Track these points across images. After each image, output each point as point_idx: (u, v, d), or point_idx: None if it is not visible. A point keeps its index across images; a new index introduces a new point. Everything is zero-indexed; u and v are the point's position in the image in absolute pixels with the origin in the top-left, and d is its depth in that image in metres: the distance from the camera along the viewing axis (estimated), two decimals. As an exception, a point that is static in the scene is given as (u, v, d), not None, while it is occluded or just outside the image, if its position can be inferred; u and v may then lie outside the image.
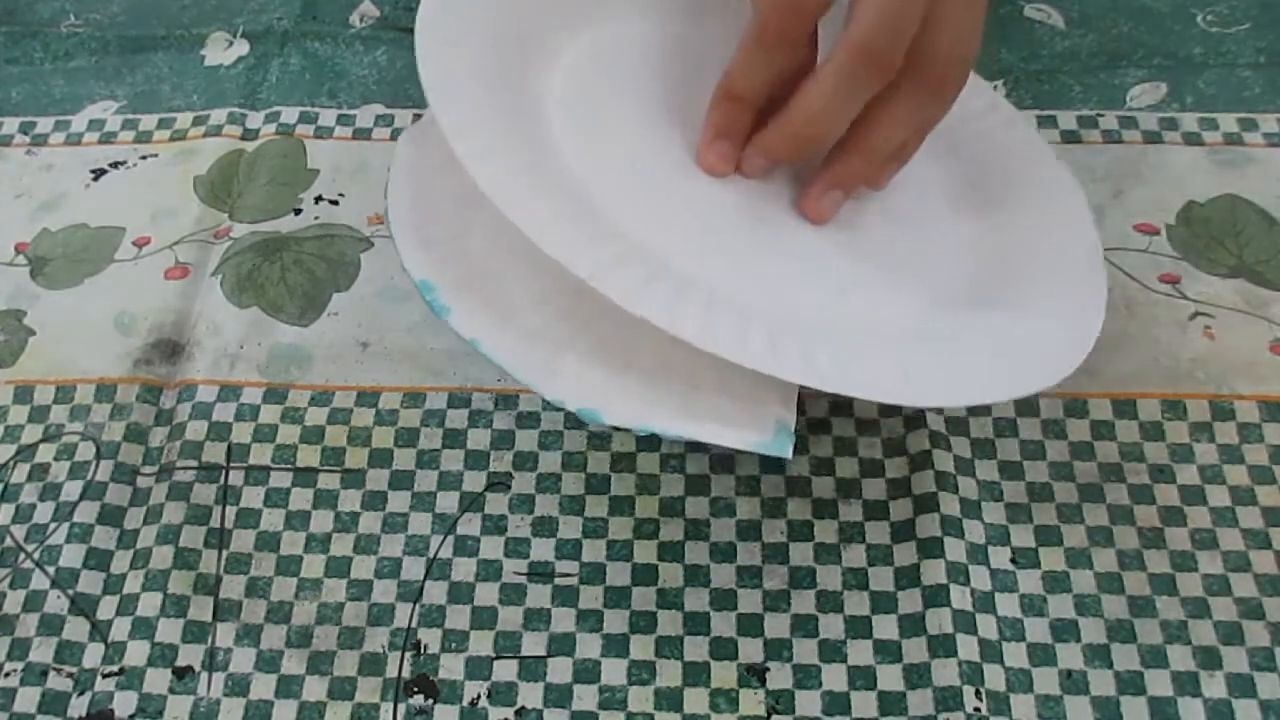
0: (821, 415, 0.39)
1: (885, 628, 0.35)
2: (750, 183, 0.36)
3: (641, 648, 0.35)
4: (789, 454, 0.32)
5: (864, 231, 0.37)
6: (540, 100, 0.35)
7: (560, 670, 0.35)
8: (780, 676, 0.34)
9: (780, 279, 0.34)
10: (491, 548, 0.37)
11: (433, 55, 0.33)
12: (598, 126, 0.36)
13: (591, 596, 0.36)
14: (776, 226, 0.35)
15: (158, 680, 0.35)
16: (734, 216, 0.35)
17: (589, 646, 0.35)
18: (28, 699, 0.35)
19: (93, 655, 0.35)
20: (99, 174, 0.48)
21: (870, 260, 0.36)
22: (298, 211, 0.46)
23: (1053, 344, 0.34)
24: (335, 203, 0.46)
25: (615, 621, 0.35)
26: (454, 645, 0.35)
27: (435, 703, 0.34)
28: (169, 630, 0.35)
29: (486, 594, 0.36)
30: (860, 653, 0.34)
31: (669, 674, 0.34)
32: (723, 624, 0.35)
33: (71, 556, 0.37)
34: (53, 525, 0.38)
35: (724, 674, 0.34)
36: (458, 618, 0.36)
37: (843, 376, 0.31)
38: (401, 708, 0.34)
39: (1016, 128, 0.41)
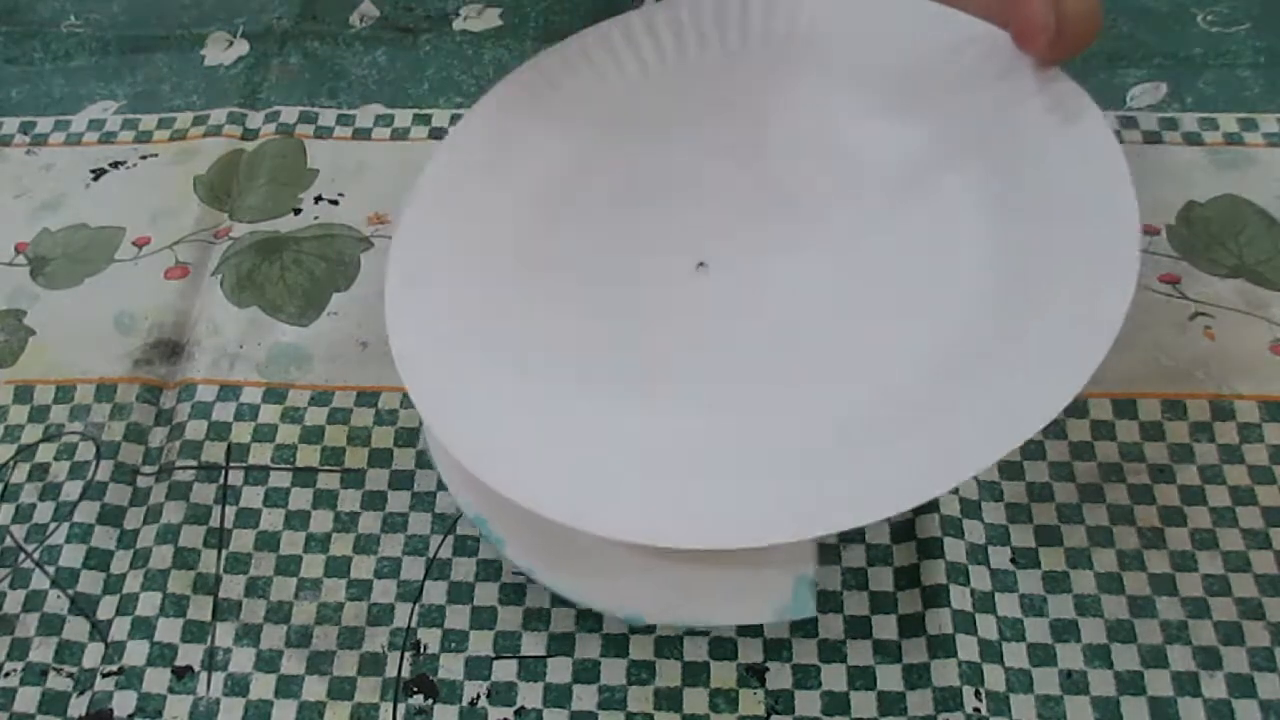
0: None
1: (884, 628, 0.35)
2: (699, 298, 0.36)
3: (641, 647, 0.35)
4: (812, 611, 0.32)
5: (843, 286, 0.35)
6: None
7: (560, 670, 0.35)
8: (779, 676, 0.34)
9: (761, 405, 0.33)
10: (491, 548, 0.37)
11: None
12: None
13: (591, 596, 0.36)
14: (746, 337, 0.35)
15: (157, 680, 0.35)
16: (701, 349, 0.35)
17: (588, 646, 0.35)
18: (28, 699, 0.35)
19: (92, 655, 0.35)
20: (99, 174, 0.48)
21: (856, 325, 0.34)
22: (297, 211, 0.46)
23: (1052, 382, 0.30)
24: (335, 202, 0.46)
25: (614, 621, 0.35)
26: (453, 645, 0.35)
27: (435, 703, 0.34)
28: (168, 630, 0.35)
29: (486, 594, 0.36)
30: (859, 653, 0.34)
31: (668, 674, 0.34)
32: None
33: (71, 556, 0.37)
34: (53, 525, 0.38)
35: (723, 674, 0.34)
36: (457, 618, 0.36)
37: (852, 508, 0.30)
38: (401, 708, 0.34)
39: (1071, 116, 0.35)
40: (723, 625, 0.33)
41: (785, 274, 0.36)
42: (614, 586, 0.33)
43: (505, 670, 0.35)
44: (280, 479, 0.39)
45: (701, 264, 0.36)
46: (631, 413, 0.34)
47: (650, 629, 0.35)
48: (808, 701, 0.34)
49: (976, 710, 0.33)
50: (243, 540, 0.38)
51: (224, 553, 0.37)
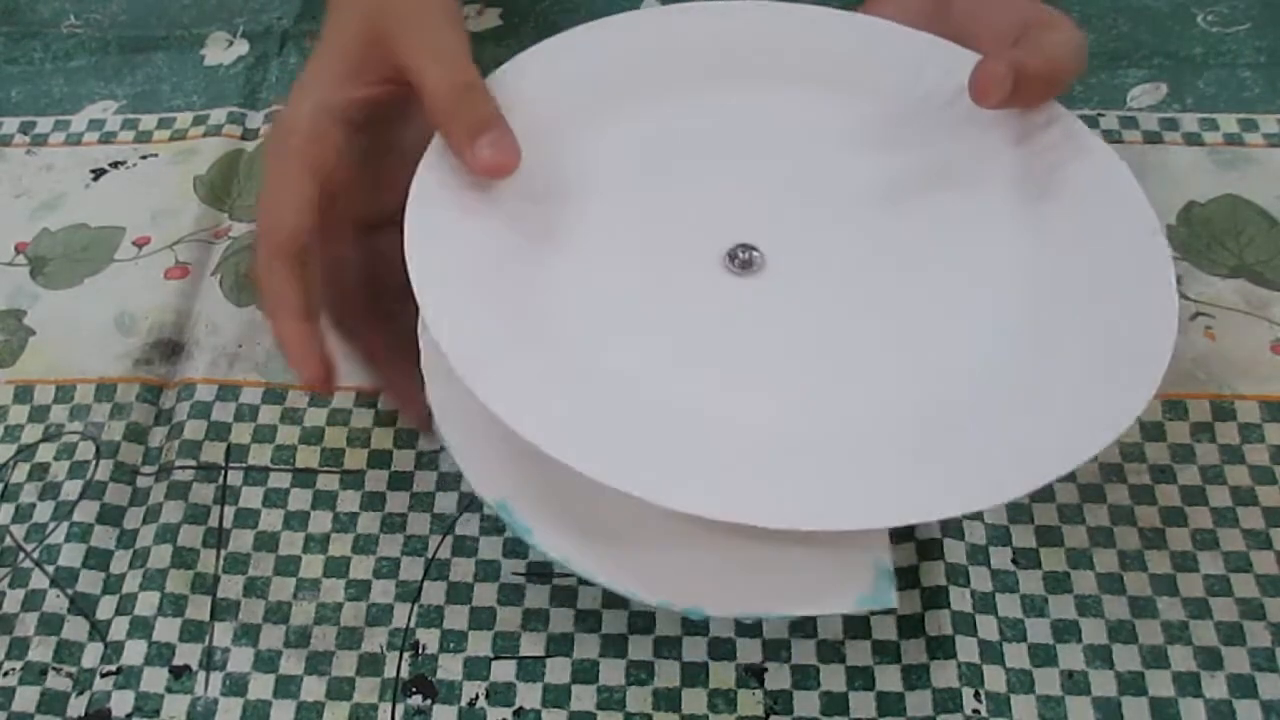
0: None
1: (884, 628, 0.35)
2: (740, 294, 0.33)
3: (640, 648, 0.35)
4: (893, 602, 0.30)
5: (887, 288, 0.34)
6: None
7: (558, 670, 0.35)
8: (778, 677, 0.34)
9: (831, 392, 0.31)
10: (490, 548, 0.37)
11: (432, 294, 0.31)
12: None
13: (590, 597, 0.36)
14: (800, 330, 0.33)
15: (155, 679, 0.35)
16: (752, 337, 0.33)
17: (587, 647, 0.35)
18: (27, 698, 0.35)
19: (91, 655, 0.35)
20: (99, 174, 0.48)
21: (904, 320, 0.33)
22: (297, 211, 0.46)
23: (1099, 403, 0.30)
24: (335, 203, 0.46)
25: (613, 622, 0.35)
26: (452, 645, 0.35)
27: (433, 703, 0.34)
28: (166, 629, 0.35)
29: (485, 594, 0.36)
30: (858, 653, 0.34)
31: (667, 674, 0.34)
32: (721, 624, 0.35)
33: (71, 556, 0.37)
34: (52, 525, 0.38)
35: (722, 674, 0.34)
36: (456, 618, 0.36)
37: (926, 499, 0.28)
38: (400, 708, 0.34)
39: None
40: (797, 616, 0.30)
41: (830, 268, 0.34)
42: (661, 576, 0.30)
43: (504, 670, 0.35)
44: (279, 479, 0.39)
45: (741, 249, 0.34)
46: (704, 390, 0.31)
47: (649, 629, 0.35)
48: (806, 702, 0.34)
49: (976, 712, 0.33)
50: (241, 540, 0.37)
51: (223, 553, 0.37)
